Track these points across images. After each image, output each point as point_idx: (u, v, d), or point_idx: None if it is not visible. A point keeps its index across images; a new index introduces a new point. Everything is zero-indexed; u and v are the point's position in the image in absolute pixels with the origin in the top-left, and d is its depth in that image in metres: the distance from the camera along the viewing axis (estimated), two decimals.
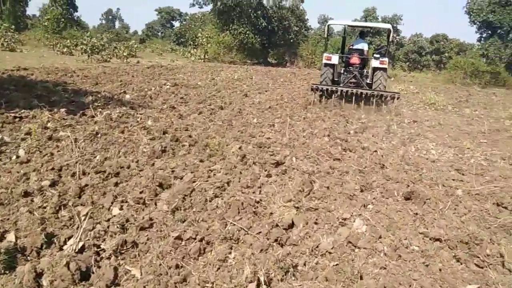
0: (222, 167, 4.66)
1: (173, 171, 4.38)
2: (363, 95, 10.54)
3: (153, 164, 4.65)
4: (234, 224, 3.25)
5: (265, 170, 4.71)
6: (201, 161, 4.87)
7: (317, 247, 3.05)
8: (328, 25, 13.35)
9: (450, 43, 58.59)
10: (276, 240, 3.08)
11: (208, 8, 35.30)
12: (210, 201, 3.70)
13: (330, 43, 14.23)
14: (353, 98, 10.68)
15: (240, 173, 4.57)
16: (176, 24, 77.27)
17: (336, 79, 12.02)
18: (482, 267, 3.03)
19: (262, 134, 6.82)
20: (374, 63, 11.36)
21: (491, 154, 6.89)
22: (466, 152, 6.87)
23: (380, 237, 3.28)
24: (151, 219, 3.23)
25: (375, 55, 11.65)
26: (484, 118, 11.63)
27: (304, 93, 14.03)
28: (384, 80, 11.32)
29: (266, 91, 13.78)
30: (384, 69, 11.34)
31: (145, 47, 50.66)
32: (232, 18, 32.55)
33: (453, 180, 5.11)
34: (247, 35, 31.84)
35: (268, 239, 3.09)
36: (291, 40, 35.58)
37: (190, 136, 5.88)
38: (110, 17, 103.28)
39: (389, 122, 9.25)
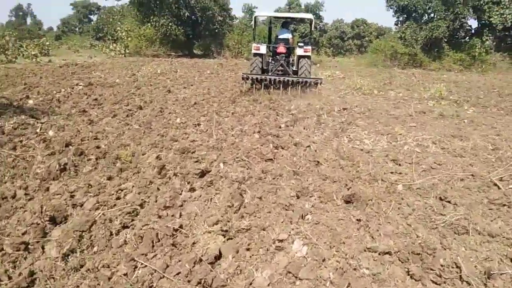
0: (135, 184, 3.92)
1: (72, 196, 3.57)
2: (290, 82, 11.11)
3: (47, 189, 3.78)
4: (146, 266, 2.57)
5: (188, 183, 4.05)
6: (110, 178, 4.09)
7: (251, 284, 2.47)
8: (255, 17, 14.03)
9: (369, 27, 61.16)
10: (199, 283, 2.44)
11: (127, 0, 33.32)
12: (116, 234, 2.98)
13: (256, 32, 14.84)
14: (281, 85, 11.14)
15: (158, 189, 3.87)
16: (95, 18, 72.93)
17: (265, 68, 12.49)
18: (439, 284, 2.63)
19: (186, 136, 6.11)
20: (299, 51, 11.97)
21: (423, 139, 6.77)
22: (398, 139, 6.68)
23: (324, 260, 2.78)
24: (32, 273, 2.45)
25: (299, 43, 12.26)
26: (409, 100, 11.84)
27: (232, 85, 13.43)
28: (309, 67, 11.90)
29: (191, 85, 12.96)
30: (308, 57, 12.00)
31: (61, 44, 47.14)
32: (153, 10, 30.91)
33: (392, 173, 4.80)
34: (169, 27, 30.39)
35: (189, 281, 2.45)
36: (216, 30, 34.61)
37: (98, 147, 5.01)
38: (21, 13, 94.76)
39: (319, 112, 8.95)
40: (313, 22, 13.17)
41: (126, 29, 31.24)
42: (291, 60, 12.76)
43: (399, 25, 34.80)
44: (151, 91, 10.97)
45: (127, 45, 30.10)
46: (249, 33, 32.66)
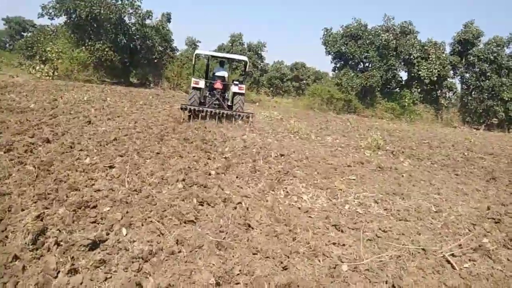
0: None
1: None
2: (225, 115, 12.37)
3: None
4: None
5: (71, 259, 2.97)
6: None
7: None
8: (196, 54, 15.53)
9: (308, 70, 63.28)
10: None
11: (61, 20, 31.41)
12: None
13: (196, 67, 15.68)
14: (216, 117, 12.33)
15: (23, 269, 2.75)
16: None
17: (202, 101, 13.63)
18: None
19: (91, 183, 4.99)
20: (234, 88, 13.26)
21: (364, 197, 6.18)
22: (339, 196, 6.04)
23: None
24: None
25: (234, 82, 13.67)
26: (346, 148, 11.55)
27: (164, 119, 12.41)
28: (242, 103, 13.27)
29: (118, 116, 11.74)
30: (242, 94, 13.32)
31: None
32: (89, 33, 29.31)
33: (334, 244, 4.05)
34: (105, 52, 28.85)
35: None
36: (155, 60, 33.54)
37: None
38: None
39: (255, 157, 8.19)
40: (248, 64, 14.63)
41: (57, 50, 29.18)
42: (226, 95, 14.06)
43: (336, 71, 35.99)
44: (68, 121, 9.64)
45: (56, 67, 28.01)
46: (189, 66, 31.96)
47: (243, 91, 13.20)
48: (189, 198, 4.77)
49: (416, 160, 11.11)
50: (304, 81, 61.30)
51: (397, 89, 35.45)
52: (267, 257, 3.46)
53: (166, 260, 3.17)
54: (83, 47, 28.86)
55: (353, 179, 7.39)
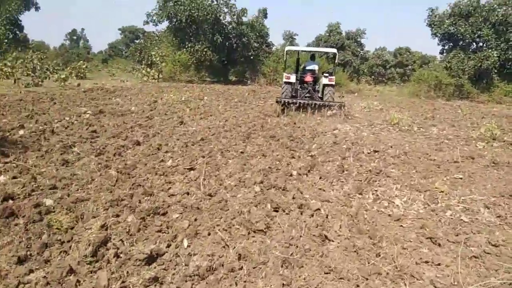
0: (48, 274, 2.74)
1: None
2: (316, 106, 12.88)
3: None
4: None
5: (127, 274, 2.82)
6: (20, 261, 2.92)
7: None
8: (286, 50, 16.89)
9: (413, 55, 58.93)
10: None
11: (164, 25, 33.51)
12: None
13: (288, 63, 17.57)
14: (308, 108, 12.87)
15: (76, 285, 2.66)
16: None
17: (293, 94, 14.25)
18: None
19: (167, 188, 4.94)
20: (324, 80, 13.91)
21: (471, 201, 5.24)
22: (439, 200, 5.19)
23: None
24: None
25: (324, 74, 14.23)
26: (454, 140, 10.20)
27: (255, 116, 12.32)
28: (332, 94, 13.91)
29: (211, 115, 11.94)
30: (332, 85, 13.97)
31: (105, 67, 48.45)
32: (189, 35, 30.77)
33: (426, 263, 3.38)
34: (204, 53, 30.03)
35: None
36: (252, 57, 33.98)
37: (37, 206, 3.86)
38: (75, 37, 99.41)
39: (345, 153, 7.58)
40: (337, 56, 15.31)
41: (161, 54, 31.17)
42: (317, 88, 14.55)
43: (444, 54, 32.73)
44: (162, 122, 10.02)
45: (160, 70, 29.95)
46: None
47: (333, 82, 13.93)
48: (263, 203, 4.44)
49: None
50: (410, 67, 57.15)
51: None
52: (340, 278, 2.97)
53: (224, 278, 2.87)
54: (184, 49, 30.37)
55: (460, 178, 6.38)
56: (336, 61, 15.31)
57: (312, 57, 15.86)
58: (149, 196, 4.52)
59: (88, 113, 10.34)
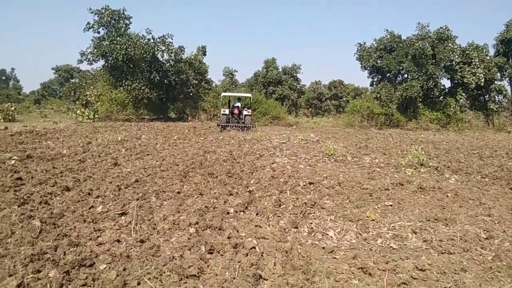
0: None
1: None
2: (240, 127, 21.94)
3: None
4: None
5: None
6: None
7: None
8: (222, 95, 27.35)
9: (346, 88, 62.21)
10: None
11: (100, 64, 32.82)
12: None
13: (224, 101, 26.29)
14: (236, 129, 21.58)
15: None
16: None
17: (227, 121, 22.76)
18: None
19: (96, 236, 4.69)
20: (245, 112, 23.31)
21: (400, 227, 5.50)
22: (371, 228, 5.39)
23: None
24: None
25: (245, 108, 23.94)
26: (385, 168, 10.76)
27: (194, 153, 12.21)
28: (250, 120, 23.22)
29: (147, 155, 11.67)
30: (250, 115, 23.55)
31: (38, 108, 46.22)
32: (125, 74, 30.31)
33: None
34: (142, 90, 29.67)
35: None
36: (191, 94, 34.07)
37: None
38: (3, 77, 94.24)
39: (282, 187, 7.70)
40: (251, 98, 27.12)
41: (96, 93, 30.34)
42: (241, 117, 23.17)
43: (374, 85, 34.90)
44: (95, 165, 9.61)
45: (96, 110, 29.08)
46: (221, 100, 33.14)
47: (250, 113, 23.65)
48: (197, 246, 4.35)
49: (464, 175, 10.14)
50: (344, 99, 60.23)
51: (441, 98, 33.70)
52: None
53: None
54: (121, 88, 29.83)
55: (390, 205, 6.70)
56: (251, 101, 26.77)
57: (238, 98, 25.70)
58: (75, 247, 4.26)
59: (13, 159, 9.69)
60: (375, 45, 33.51)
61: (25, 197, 6.27)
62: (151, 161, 10.45)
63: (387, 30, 33.43)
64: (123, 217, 5.47)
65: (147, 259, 3.98)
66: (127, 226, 5.08)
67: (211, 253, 4.25)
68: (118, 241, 4.54)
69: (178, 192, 7.07)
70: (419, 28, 32.49)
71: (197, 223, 5.21)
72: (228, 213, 5.87)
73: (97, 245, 4.37)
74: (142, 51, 29.49)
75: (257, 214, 5.87)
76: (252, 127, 22.32)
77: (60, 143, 13.95)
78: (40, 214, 5.43)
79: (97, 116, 28.73)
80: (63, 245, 4.24)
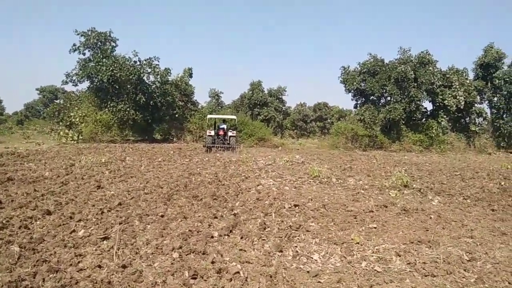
0: None
1: None
2: (226, 148, 22.51)
3: None
4: None
5: None
6: None
7: None
8: (208, 118, 28.63)
9: (331, 110, 63.05)
10: None
11: (84, 85, 32.73)
12: None
13: (210, 123, 28.17)
14: (221, 150, 22.24)
15: None
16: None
17: (213, 142, 23.31)
18: None
19: (76, 262, 4.59)
20: (230, 133, 23.75)
21: (384, 250, 5.52)
22: (355, 251, 5.40)
23: None
24: None
25: (230, 130, 24.50)
26: (369, 190, 10.83)
27: (179, 175, 12.13)
28: (235, 140, 23.74)
29: (131, 177, 11.55)
30: (235, 136, 23.92)
31: (21, 129, 45.49)
32: (111, 95, 30.23)
33: None
34: (127, 112, 29.56)
35: None
36: (177, 115, 34.09)
37: None
38: None
39: (267, 209, 7.68)
40: (236, 120, 27.90)
41: (81, 114, 30.12)
42: (226, 138, 23.72)
43: (358, 107, 35.46)
44: (78, 187, 9.47)
45: (80, 131, 28.80)
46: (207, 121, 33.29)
47: (235, 134, 24.07)
48: (180, 271, 4.29)
49: (446, 196, 10.28)
50: (328, 120, 61.00)
51: (423, 120, 34.43)
52: None
53: None
54: (106, 109, 29.68)
55: (374, 228, 6.73)
56: (235, 122, 27.67)
57: (224, 120, 26.47)
58: (55, 273, 4.16)
59: None
60: (359, 68, 34.29)
61: (4, 222, 6.13)
62: (135, 184, 10.35)
63: (370, 54, 34.32)
64: (105, 242, 5.37)
65: (129, 285, 3.91)
66: (109, 251, 4.99)
67: (195, 278, 4.20)
68: (100, 266, 4.45)
69: (162, 216, 7.00)
70: (401, 52, 33.44)
71: (180, 247, 5.15)
72: (212, 237, 5.82)
73: (77, 271, 4.28)
74: (128, 73, 29.51)
75: (241, 238, 5.83)
76: (237, 147, 23.26)
77: (43, 165, 13.72)
78: (20, 239, 5.31)
79: (81, 137, 28.44)
80: (42, 271, 4.14)
